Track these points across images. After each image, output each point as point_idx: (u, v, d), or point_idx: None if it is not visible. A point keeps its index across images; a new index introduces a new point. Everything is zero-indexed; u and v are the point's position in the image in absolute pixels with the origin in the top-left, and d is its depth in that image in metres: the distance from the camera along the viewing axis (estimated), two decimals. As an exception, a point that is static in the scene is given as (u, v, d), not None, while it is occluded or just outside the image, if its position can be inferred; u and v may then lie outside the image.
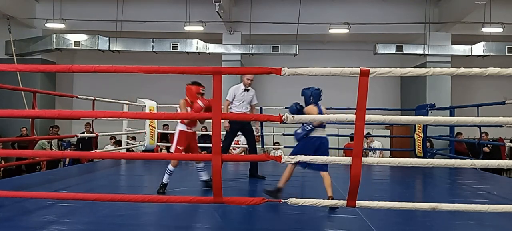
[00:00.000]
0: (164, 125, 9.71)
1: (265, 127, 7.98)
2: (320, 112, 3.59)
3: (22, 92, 9.64)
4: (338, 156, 7.93)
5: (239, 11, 10.52)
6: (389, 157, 8.71)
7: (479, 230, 3.03)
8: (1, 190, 3.09)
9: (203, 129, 9.38)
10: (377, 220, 3.11)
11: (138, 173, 5.92)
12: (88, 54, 11.10)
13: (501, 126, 4.46)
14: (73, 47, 10.39)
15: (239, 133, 5.49)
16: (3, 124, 10.47)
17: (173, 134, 10.31)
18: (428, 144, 8.49)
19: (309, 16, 10.10)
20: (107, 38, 10.26)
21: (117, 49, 10.34)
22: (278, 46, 10.20)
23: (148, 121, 7.78)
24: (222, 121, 2.65)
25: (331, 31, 10.25)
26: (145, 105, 7.86)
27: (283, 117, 2.63)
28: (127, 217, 3.22)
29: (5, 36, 10.47)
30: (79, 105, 10.55)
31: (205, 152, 8.52)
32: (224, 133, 5.10)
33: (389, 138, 9.85)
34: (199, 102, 3.95)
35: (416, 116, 7.28)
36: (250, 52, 10.41)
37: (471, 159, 5.56)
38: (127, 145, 8.32)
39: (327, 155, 3.59)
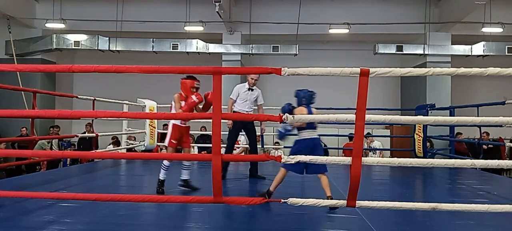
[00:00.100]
0: (164, 124, 9.69)
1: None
2: (310, 114, 3.59)
3: (22, 92, 9.63)
4: (338, 156, 7.94)
5: (239, 11, 10.52)
6: (389, 157, 8.71)
7: (479, 230, 3.03)
8: (1, 190, 3.09)
9: (202, 128, 9.38)
10: (377, 220, 3.11)
11: (138, 173, 5.92)
12: (88, 54, 11.10)
13: (501, 126, 4.46)
14: (73, 47, 10.39)
15: (241, 133, 5.51)
16: (3, 124, 10.47)
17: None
18: (428, 144, 8.49)
19: (309, 16, 10.10)
20: (107, 38, 10.26)
21: (117, 49, 10.35)
22: (278, 46, 10.21)
23: (148, 121, 7.79)
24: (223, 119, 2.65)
25: (331, 31, 10.25)
26: (145, 105, 7.87)
27: (283, 117, 2.63)
28: (127, 217, 3.22)
29: (5, 36, 10.47)
30: (79, 105, 10.55)
31: (205, 152, 8.53)
32: (226, 132, 5.12)
33: (389, 138, 9.85)
34: (193, 97, 3.96)
35: (416, 115, 7.28)
36: (250, 52, 10.41)
37: (471, 159, 5.56)
38: (127, 145, 8.32)
39: (322, 154, 3.58)
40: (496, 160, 2.63)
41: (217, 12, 8.66)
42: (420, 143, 8.06)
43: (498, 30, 9.86)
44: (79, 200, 3.46)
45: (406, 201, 2.64)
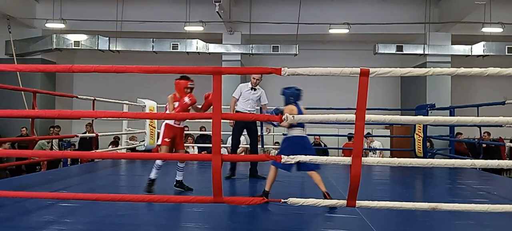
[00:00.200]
0: (164, 125, 9.71)
1: (265, 127, 7.98)
2: (300, 112, 3.60)
3: (22, 92, 9.64)
4: (337, 156, 7.94)
5: (239, 11, 10.52)
6: (389, 157, 8.71)
7: (479, 230, 3.03)
8: (1, 190, 3.09)
9: (202, 129, 9.38)
10: (377, 220, 3.11)
11: (138, 173, 5.92)
12: (88, 54, 11.10)
13: (501, 126, 4.46)
14: (73, 47, 10.39)
15: (243, 133, 5.52)
16: (3, 124, 10.47)
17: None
18: (428, 144, 8.49)
19: (309, 16, 10.10)
20: (107, 38, 10.26)
21: (117, 49, 10.35)
22: (278, 46, 10.21)
23: (148, 121, 7.79)
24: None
25: (331, 31, 10.25)
26: (145, 105, 7.87)
27: (283, 117, 2.63)
28: (127, 217, 3.22)
29: (5, 36, 10.47)
30: (79, 105, 10.55)
31: (205, 152, 8.53)
32: (226, 132, 5.14)
33: (389, 138, 9.85)
34: (186, 99, 3.93)
35: (416, 115, 7.28)
36: (250, 52, 10.42)
37: (471, 159, 5.56)
38: (127, 145, 8.32)
39: (314, 152, 3.60)
40: (496, 160, 2.63)
41: (217, 12, 8.66)
42: (420, 143, 8.06)
43: (498, 30, 9.86)
44: (79, 200, 3.46)
45: (406, 201, 2.64)
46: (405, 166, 2.58)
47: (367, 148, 8.62)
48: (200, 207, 3.40)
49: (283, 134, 4.05)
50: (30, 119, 5.61)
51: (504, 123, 2.58)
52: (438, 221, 3.18)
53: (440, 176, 6.04)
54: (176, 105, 4.03)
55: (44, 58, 10.87)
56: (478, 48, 9.96)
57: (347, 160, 2.50)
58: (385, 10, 10.38)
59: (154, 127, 7.94)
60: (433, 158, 7.96)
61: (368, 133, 9.27)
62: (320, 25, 10.08)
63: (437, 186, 5.35)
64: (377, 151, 8.71)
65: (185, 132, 8.96)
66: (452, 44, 10.29)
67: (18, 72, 9.23)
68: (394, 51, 10.17)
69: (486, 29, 9.76)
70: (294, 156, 2.68)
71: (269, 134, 8.44)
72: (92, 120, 7.50)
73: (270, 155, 3.08)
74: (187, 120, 5.52)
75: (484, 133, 8.31)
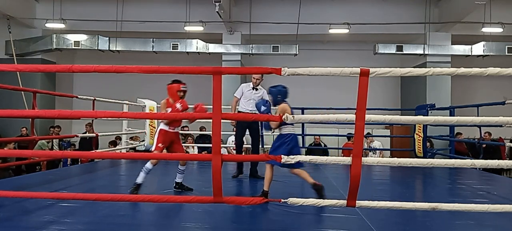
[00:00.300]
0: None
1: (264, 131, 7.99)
2: (291, 110, 3.67)
3: (22, 92, 9.64)
4: (337, 156, 7.94)
5: (239, 11, 10.52)
6: (389, 157, 8.71)
7: (479, 230, 3.03)
8: (1, 190, 3.09)
9: (202, 129, 9.38)
10: (377, 220, 3.11)
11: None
12: (88, 54, 11.10)
13: (501, 126, 4.46)
14: (73, 47, 10.39)
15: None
16: (3, 124, 10.47)
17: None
18: (428, 144, 8.49)
19: (309, 16, 10.10)
20: (107, 38, 10.26)
21: (117, 49, 10.35)
22: (278, 46, 10.21)
23: (148, 121, 7.79)
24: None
25: (331, 31, 10.25)
26: (145, 105, 7.87)
27: (283, 117, 2.63)
28: (127, 217, 3.23)
29: (5, 36, 10.47)
30: (79, 105, 10.55)
31: (206, 152, 8.53)
32: (226, 132, 5.15)
33: (389, 138, 9.85)
34: (177, 105, 3.88)
35: (416, 115, 7.28)
36: (250, 52, 10.41)
37: (471, 159, 5.56)
38: (127, 145, 8.32)
39: (299, 151, 3.66)
40: (496, 160, 2.63)
41: (217, 12, 8.66)
42: (420, 143, 8.06)
43: (498, 30, 9.86)
44: (79, 200, 3.46)
45: (406, 201, 2.64)
46: (405, 166, 2.58)
47: (367, 148, 8.62)
48: (200, 207, 3.40)
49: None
50: (30, 119, 5.61)
51: (504, 123, 2.58)
52: (438, 221, 3.18)
53: (440, 176, 6.04)
54: (169, 111, 3.98)
55: (44, 58, 10.87)
56: (478, 48, 9.96)
57: (347, 160, 2.50)
58: (385, 10, 10.38)
59: (154, 127, 7.93)
60: (433, 158, 7.97)
61: (368, 133, 9.27)
62: (320, 25, 10.08)
63: (437, 186, 5.35)
64: (377, 151, 8.72)
65: (185, 132, 9.05)
66: (452, 44, 10.29)
67: (18, 72, 9.22)
68: (394, 51, 10.17)
69: (486, 29, 9.76)
70: (294, 156, 2.69)
71: (270, 134, 8.45)
72: (92, 120, 7.51)
73: (270, 155, 3.08)
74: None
75: (485, 133, 8.31)
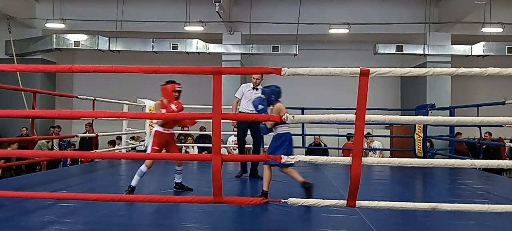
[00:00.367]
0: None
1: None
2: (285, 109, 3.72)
3: (22, 92, 9.64)
4: (337, 156, 7.94)
5: (239, 11, 10.53)
6: (389, 157, 8.71)
7: (479, 230, 3.03)
8: (1, 190, 3.09)
9: (202, 129, 9.38)
10: (377, 220, 3.11)
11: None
12: (88, 54, 11.11)
13: (501, 126, 4.46)
14: (73, 47, 10.39)
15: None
16: (3, 124, 10.47)
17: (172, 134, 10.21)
18: (428, 144, 8.49)
19: (309, 16, 10.10)
20: (107, 38, 10.26)
21: (117, 49, 10.35)
22: (278, 46, 10.21)
23: (148, 121, 7.79)
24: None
25: (331, 31, 10.25)
26: (145, 105, 7.87)
27: (283, 117, 2.63)
28: (127, 217, 3.23)
29: (5, 36, 10.48)
30: (79, 105, 10.55)
31: (206, 152, 8.53)
32: (225, 132, 5.15)
33: (389, 138, 9.85)
34: (172, 106, 3.85)
35: (416, 115, 7.28)
36: (250, 52, 10.42)
37: (471, 159, 5.56)
38: (127, 145, 8.32)
39: (292, 150, 3.69)
40: (496, 160, 2.63)
41: (217, 12, 8.66)
42: (420, 143, 8.06)
43: (498, 30, 9.86)
44: (79, 200, 3.46)
45: (406, 201, 2.64)
46: (405, 166, 2.58)
47: (367, 148, 8.62)
48: (200, 207, 3.40)
49: None
50: (30, 119, 5.61)
51: (504, 123, 2.58)
52: (438, 221, 3.18)
53: (440, 176, 6.04)
54: (163, 112, 3.94)
55: (44, 58, 10.87)
56: (478, 48, 9.96)
57: (347, 160, 2.50)
58: (385, 10, 10.38)
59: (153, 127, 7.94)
60: (433, 158, 7.97)
61: (368, 133, 9.27)
62: (320, 25, 10.08)
63: (437, 186, 5.35)
64: (377, 151, 8.71)
65: (185, 132, 9.05)
66: (452, 44, 10.29)
67: (18, 72, 9.23)
68: (394, 51, 10.17)
69: (486, 29, 9.76)
70: (294, 156, 2.69)
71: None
72: (92, 120, 7.50)
73: (270, 155, 3.08)
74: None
75: (485, 133, 8.31)
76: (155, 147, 3.97)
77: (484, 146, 7.66)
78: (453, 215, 3.24)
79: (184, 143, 8.97)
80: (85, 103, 6.91)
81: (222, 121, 2.55)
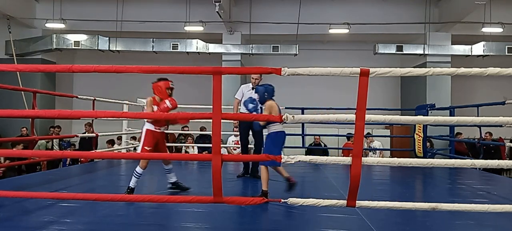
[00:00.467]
0: (164, 125, 9.71)
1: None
2: (278, 108, 3.80)
3: (22, 92, 9.64)
4: (337, 156, 7.93)
5: (239, 11, 10.53)
6: (389, 157, 8.71)
7: (479, 230, 3.03)
8: (1, 190, 3.09)
9: (203, 129, 9.38)
10: (377, 220, 3.11)
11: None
12: (88, 54, 11.10)
13: (501, 126, 4.46)
14: (73, 47, 10.39)
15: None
16: (3, 124, 10.47)
17: (172, 134, 10.22)
18: (428, 144, 8.49)
19: (309, 16, 10.10)
20: (107, 38, 10.26)
21: (117, 49, 10.35)
22: (278, 46, 10.21)
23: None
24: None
25: (331, 31, 10.25)
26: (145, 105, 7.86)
27: (283, 117, 2.63)
28: (127, 217, 3.23)
29: (5, 36, 10.47)
30: (79, 105, 10.54)
31: (206, 152, 8.53)
32: (225, 132, 5.16)
33: (389, 138, 9.85)
34: (167, 102, 3.81)
35: (416, 115, 7.28)
36: (250, 52, 10.42)
37: (471, 159, 5.56)
38: (127, 145, 8.32)
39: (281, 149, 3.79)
40: (496, 160, 2.63)
41: (217, 12, 8.66)
42: (420, 143, 8.06)
43: (498, 30, 9.86)
44: (79, 200, 3.46)
45: (406, 201, 2.64)
46: (405, 166, 2.58)
47: (367, 148, 8.62)
48: (200, 207, 3.40)
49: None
50: (30, 119, 5.61)
51: (504, 123, 2.58)
52: (438, 221, 3.18)
53: (440, 176, 6.04)
54: (155, 109, 3.90)
55: (44, 58, 10.87)
56: (478, 48, 9.96)
57: (347, 160, 2.50)
58: (385, 10, 10.38)
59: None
60: (433, 158, 7.96)
61: (368, 133, 9.27)
62: (320, 25, 10.08)
63: (437, 186, 5.35)
64: (377, 151, 8.71)
65: (185, 132, 9.05)
66: (452, 44, 10.29)
67: (18, 72, 9.23)
68: (394, 51, 10.17)
69: (486, 29, 9.76)
70: (294, 156, 2.68)
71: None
72: (92, 120, 7.50)
73: (270, 155, 3.07)
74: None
75: (486, 133, 8.31)
76: (146, 147, 3.91)
77: (484, 146, 7.66)
78: (453, 215, 3.24)
79: (184, 143, 8.97)
80: (85, 103, 6.91)
81: (222, 121, 2.55)
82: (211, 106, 2.52)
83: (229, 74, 2.75)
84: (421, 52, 10.22)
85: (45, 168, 8.16)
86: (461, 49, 10.14)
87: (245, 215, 3.34)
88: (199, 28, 10.22)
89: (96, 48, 10.30)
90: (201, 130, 9.30)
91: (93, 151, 6.48)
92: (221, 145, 5.42)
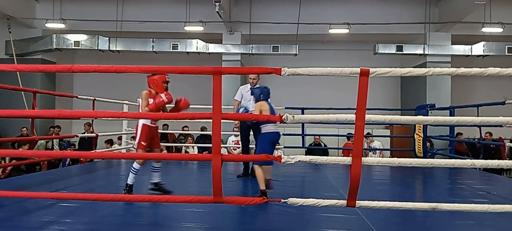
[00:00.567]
0: (164, 124, 9.72)
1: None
2: (271, 108, 3.91)
3: (22, 92, 9.64)
4: (337, 156, 7.93)
5: (239, 11, 10.52)
6: (389, 157, 8.71)
7: (479, 230, 3.03)
8: (1, 190, 3.09)
9: (203, 129, 9.38)
10: (377, 220, 3.11)
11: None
12: (88, 54, 11.10)
13: (501, 126, 4.46)
14: (73, 47, 10.39)
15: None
16: (3, 124, 10.47)
17: (172, 134, 10.20)
18: (428, 144, 8.49)
19: (309, 16, 10.10)
20: (107, 38, 10.26)
21: (117, 49, 10.35)
22: (278, 46, 10.20)
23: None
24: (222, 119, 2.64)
25: (331, 31, 10.25)
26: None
27: (283, 117, 2.63)
28: (127, 217, 3.23)
29: (5, 36, 10.47)
30: (79, 106, 10.54)
31: (206, 152, 8.53)
32: (225, 132, 5.17)
33: (389, 138, 9.85)
34: (162, 96, 3.81)
35: (416, 115, 7.28)
36: (250, 52, 10.41)
37: (471, 159, 5.56)
38: (127, 145, 8.31)
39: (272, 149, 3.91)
40: (496, 160, 2.63)
41: (217, 12, 8.66)
42: (420, 143, 8.06)
43: (498, 30, 9.86)
44: (79, 200, 3.46)
45: (406, 201, 2.64)
46: (405, 166, 2.58)
47: (367, 148, 8.62)
48: (200, 207, 3.40)
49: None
50: (30, 119, 5.61)
51: (504, 123, 2.58)
52: (438, 221, 3.18)
53: (440, 176, 6.04)
54: (150, 102, 3.88)
55: (44, 58, 10.86)
56: (478, 48, 9.96)
57: (347, 160, 2.50)
58: (385, 10, 10.38)
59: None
60: (433, 158, 7.96)
61: (368, 133, 9.27)
62: (320, 25, 10.08)
63: (437, 186, 5.35)
64: (377, 151, 8.71)
65: (186, 132, 9.05)
66: (452, 44, 10.29)
67: (18, 72, 9.22)
68: (394, 51, 10.17)
69: (486, 29, 9.76)
70: (294, 156, 2.68)
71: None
72: (92, 120, 7.50)
73: (270, 155, 3.08)
74: (186, 120, 5.51)
75: (486, 133, 8.31)
76: (143, 142, 3.90)
77: (484, 146, 7.66)
78: (453, 215, 3.24)
79: (184, 143, 8.97)
80: (85, 103, 6.91)
81: (222, 121, 2.55)
82: (211, 106, 2.52)
83: (229, 74, 2.75)
84: (421, 52, 10.22)
85: (45, 168, 8.16)
86: (461, 49, 10.14)
87: (245, 215, 3.34)
88: (199, 28, 10.22)
89: (96, 48, 10.29)
90: (201, 130, 9.30)
91: (93, 151, 6.48)
92: (221, 145, 5.42)
